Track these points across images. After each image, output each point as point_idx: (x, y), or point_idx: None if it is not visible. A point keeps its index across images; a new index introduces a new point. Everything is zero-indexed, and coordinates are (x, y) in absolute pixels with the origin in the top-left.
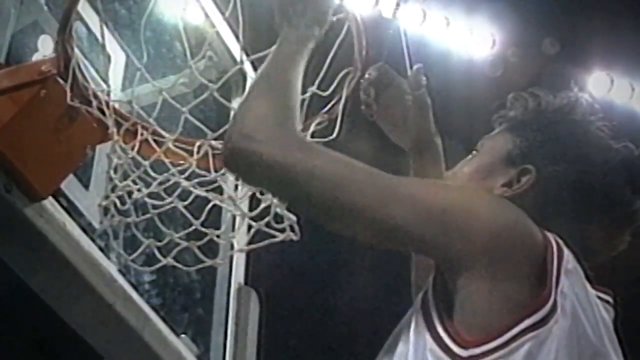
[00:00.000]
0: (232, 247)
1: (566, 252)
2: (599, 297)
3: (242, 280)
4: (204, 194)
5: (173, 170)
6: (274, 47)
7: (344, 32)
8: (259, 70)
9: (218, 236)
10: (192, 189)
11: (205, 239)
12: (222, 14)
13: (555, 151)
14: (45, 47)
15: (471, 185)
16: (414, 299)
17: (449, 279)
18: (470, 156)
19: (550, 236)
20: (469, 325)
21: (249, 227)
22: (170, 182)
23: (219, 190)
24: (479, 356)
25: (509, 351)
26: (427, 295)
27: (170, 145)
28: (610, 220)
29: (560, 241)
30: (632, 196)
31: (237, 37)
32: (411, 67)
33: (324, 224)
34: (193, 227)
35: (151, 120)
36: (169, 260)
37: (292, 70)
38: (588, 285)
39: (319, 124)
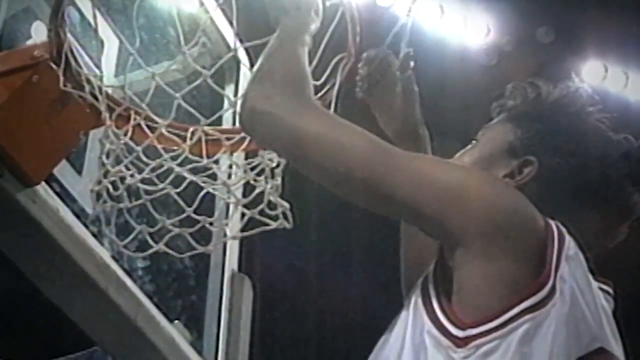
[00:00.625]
0: (225, 234)
1: (568, 238)
2: (600, 288)
3: (235, 267)
4: (197, 179)
5: (166, 156)
6: (271, 36)
7: (337, 18)
8: (266, 50)
9: (211, 223)
10: (185, 174)
11: (198, 226)
12: (217, 1)
13: (557, 143)
14: (38, 34)
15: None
16: (403, 293)
17: (448, 258)
18: (469, 146)
19: (552, 222)
20: (466, 306)
21: (242, 214)
22: (164, 169)
23: (213, 177)
24: (476, 337)
25: (506, 332)
26: (427, 279)
27: (164, 130)
28: (610, 212)
29: (563, 228)
30: (632, 189)
31: (231, 23)
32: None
33: (330, 189)
34: (186, 214)
35: (144, 105)
36: (161, 247)
37: (299, 52)
38: (589, 274)
39: None
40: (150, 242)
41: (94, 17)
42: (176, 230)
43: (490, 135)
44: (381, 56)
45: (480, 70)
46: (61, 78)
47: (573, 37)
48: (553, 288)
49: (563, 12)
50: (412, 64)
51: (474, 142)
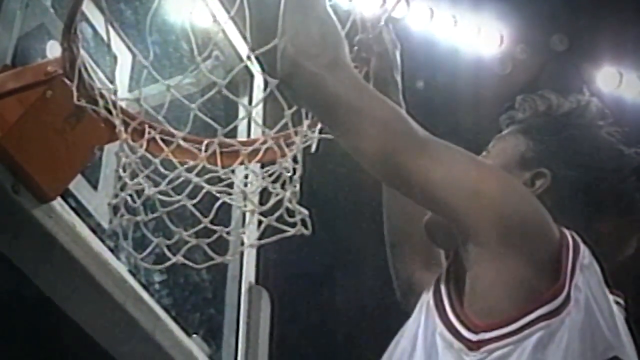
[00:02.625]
0: (242, 243)
1: (583, 247)
2: (613, 300)
3: (252, 279)
4: (213, 190)
5: (181, 168)
6: None
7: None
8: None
9: (228, 233)
10: (203, 184)
11: (215, 236)
12: (228, 13)
13: (569, 156)
14: (53, 53)
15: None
16: (399, 299)
17: (464, 258)
18: (480, 156)
19: (567, 232)
20: (479, 309)
21: (259, 222)
22: (179, 180)
23: (229, 187)
24: (489, 341)
25: (521, 338)
26: (440, 279)
27: (180, 142)
28: (621, 225)
29: (578, 237)
30: None
31: (244, 37)
32: None
33: (355, 157)
34: (202, 225)
35: (160, 117)
36: (179, 259)
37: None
38: (604, 283)
39: None
40: (168, 254)
41: (107, 32)
42: (193, 241)
43: (502, 146)
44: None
45: (494, 79)
46: (75, 93)
47: (587, 44)
48: (568, 296)
49: (576, 20)
50: (382, 22)
51: (485, 153)
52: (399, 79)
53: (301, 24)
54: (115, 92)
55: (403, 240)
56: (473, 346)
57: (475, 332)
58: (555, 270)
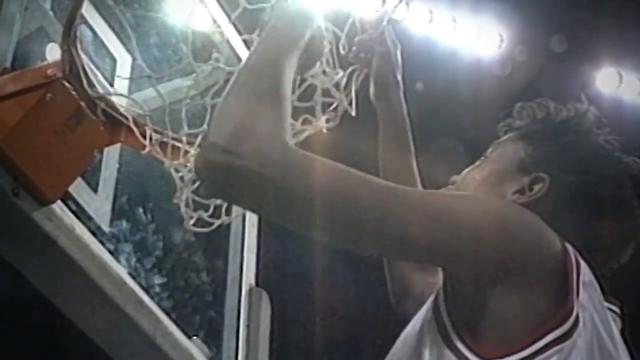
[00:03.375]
0: (242, 244)
1: (582, 264)
2: (608, 309)
3: (252, 281)
4: None
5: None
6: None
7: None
8: (245, 61)
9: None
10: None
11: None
12: (228, 16)
13: (567, 162)
14: (52, 56)
15: (491, 195)
16: (393, 304)
17: (467, 290)
18: (478, 162)
19: (570, 248)
20: (490, 337)
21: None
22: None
23: None
24: None
25: None
26: (438, 305)
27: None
28: (617, 232)
29: (577, 253)
30: (638, 210)
31: (243, 39)
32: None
33: (335, 243)
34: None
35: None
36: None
37: (284, 61)
38: (602, 297)
39: (328, 121)
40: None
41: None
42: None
43: (501, 151)
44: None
45: (493, 81)
46: (75, 96)
47: (587, 45)
48: (577, 318)
49: (576, 21)
50: (384, 22)
51: (483, 158)
52: (400, 79)
53: (231, 107)
54: (110, 94)
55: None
56: None
57: None
58: (562, 292)
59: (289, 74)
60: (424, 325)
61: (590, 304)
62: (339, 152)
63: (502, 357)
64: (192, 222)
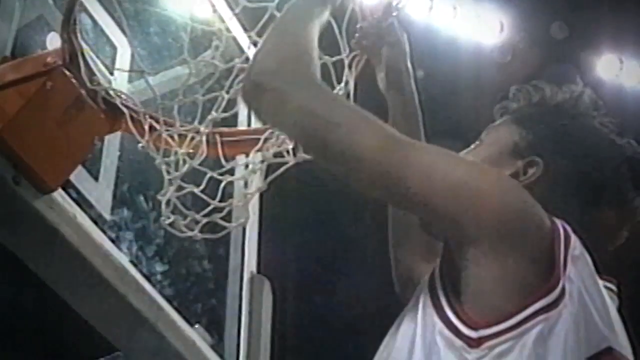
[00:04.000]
0: (244, 232)
1: (573, 238)
2: (605, 286)
3: (254, 269)
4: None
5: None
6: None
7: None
8: (276, 21)
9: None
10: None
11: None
12: (231, 8)
13: (562, 145)
14: (53, 45)
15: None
16: (398, 293)
17: (457, 257)
18: (473, 146)
19: (558, 222)
20: (478, 306)
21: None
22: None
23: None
24: (489, 337)
25: (520, 332)
26: (434, 278)
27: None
28: (612, 215)
29: (568, 227)
30: (633, 192)
31: (243, 26)
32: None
33: (333, 173)
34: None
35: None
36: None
37: (309, 27)
38: (595, 273)
39: None
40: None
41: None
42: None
43: (495, 135)
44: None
45: (494, 68)
46: (75, 84)
47: (587, 31)
48: (563, 289)
49: (576, 7)
50: (394, 12)
51: (477, 142)
52: (410, 67)
53: (270, 46)
54: (111, 82)
55: (406, 231)
56: (474, 343)
57: (475, 329)
58: (549, 263)
59: (316, 32)
60: (419, 300)
61: (579, 278)
62: None
63: (489, 326)
64: (168, 222)
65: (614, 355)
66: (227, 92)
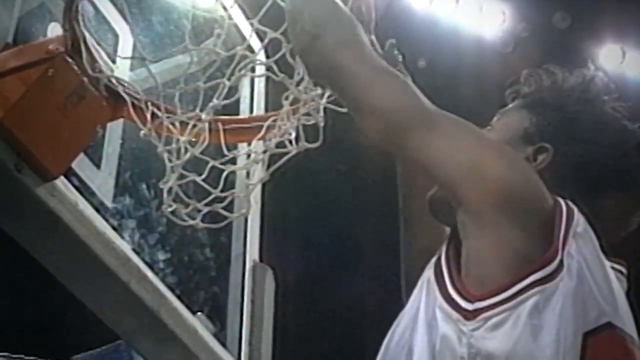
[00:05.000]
0: (246, 220)
1: (577, 215)
2: (612, 268)
3: (256, 257)
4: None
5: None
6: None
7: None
8: None
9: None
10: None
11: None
12: None
13: (572, 131)
14: (54, 33)
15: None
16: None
17: (461, 234)
18: (484, 131)
19: (561, 200)
20: (476, 279)
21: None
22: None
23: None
24: (484, 309)
25: (515, 304)
26: (440, 258)
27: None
28: (623, 200)
29: (573, 206)
30: None
31: (245, 14)
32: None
33: (355, 115)
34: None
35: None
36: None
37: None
38: (600, 251)
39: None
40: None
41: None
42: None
43: (506, 120)
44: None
45: (496, 58)
46: (77, 71)
47: (590, 21)
48: (561, 263)
49: None
50: (399, 56)
51: (488, 127)
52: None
53: (317, 4)
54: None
55: (416, 214)
56: (469, 315)
57: (471, 302)
58: (548, 238)
59: None
60: (424, 282)
61: (579, 254)
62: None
63: (485, 299)
64: (169, 210)
65: (615, 331)
66: (229, 80)
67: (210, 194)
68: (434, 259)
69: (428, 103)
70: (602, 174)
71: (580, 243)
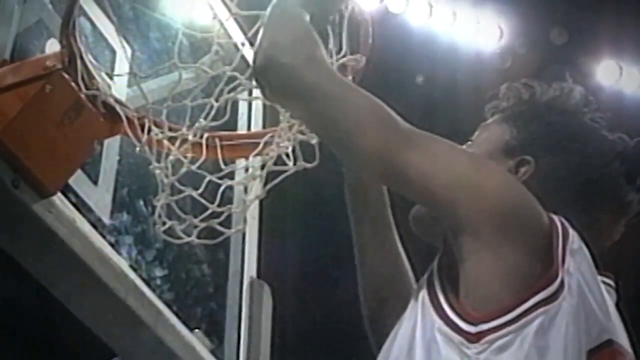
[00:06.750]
0: (244, 236)
1: (571, 232)
2: (603, 282)
3: (254, 273)
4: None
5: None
6: None
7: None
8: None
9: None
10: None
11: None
12: (229, 9)
13: (552, 142)
14: (52, 49)
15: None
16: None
17: (455, 252)
18: (465, 146)
19: (555, 217)
20: (476, 301)
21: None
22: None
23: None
24: (489, 331)
25: (521, 326)
26: (432, 276)
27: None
28: (606, 210)
29: (566, 222)
30: (627, 187)
31: (243, 31)
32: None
33: (337, 152)
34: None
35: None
36: None
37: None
38: (594, 267)
39: None
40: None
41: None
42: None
43: (486, 134)
44: None
45: (494, 74)
46: (75, 87)
47: (587, 37)
48: (562, 282)
49: (576, 13)
50: None
51: (469, 142)
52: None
53: (278, 25)
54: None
55: (388, 293)
56: (473, 338)
57: (474, 324)
58: (547, 257)
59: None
60: (418, 299)
61: (577, 271)
62: None
63: (488, 321)
64: (163, 229)
65: (615, 347)
66: (217, 100)
67: (207, 209)
68: (425, 276)
69: (402, 121)
70: (584, 184)
71: (577, 260)
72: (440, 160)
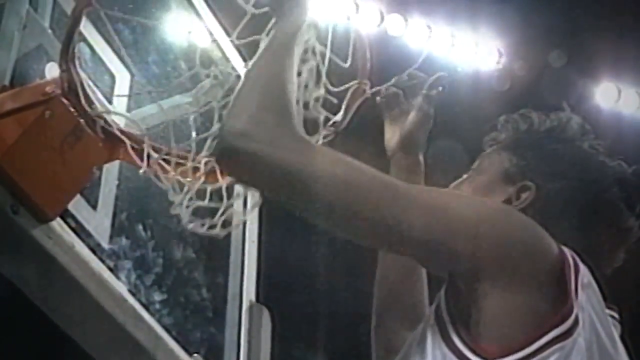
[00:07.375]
0: (242, 260)
1: (582, 266)
2: (608, 314)
3: (253, 297)
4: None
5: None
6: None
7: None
8: (250, 65)
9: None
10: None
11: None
12: (228, 34)
13: (552, 169)
14: (52, 74)
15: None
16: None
17: (464, 289)
18: (466, 175)
19: (567, 251)
20: (490, 337)
21: None
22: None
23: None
24: None
25: None
26: (440, 308)
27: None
28: (607, 236)
29: (576, 256)
30: (627, 213)
31: (242, 56)
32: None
33: (328, 228)
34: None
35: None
36: None
37: (285, 60)
38: (602, 301)
39: (325, 137)
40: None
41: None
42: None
43: (486, 163)
44: (391, 93)
45: (493, 96)
46: (74, 113)
47: (585, 59)
48: (577, 317)
49: (574, 35)
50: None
51: (470, 171)
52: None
53: (243, 102)
54: (109, 112)
55: (392, 305)
56: None
57: (486, 359)
58: (561, 292)
59: (291, 71)
60: (426, 330)
61: (589, 305)
62: None
63: (503, 357)
64: (191, 225)
65: None
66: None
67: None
68: (432, 307)
69: (393, 179)
70: (584, 210)
71: (589, 294)
72: (439, 213)
